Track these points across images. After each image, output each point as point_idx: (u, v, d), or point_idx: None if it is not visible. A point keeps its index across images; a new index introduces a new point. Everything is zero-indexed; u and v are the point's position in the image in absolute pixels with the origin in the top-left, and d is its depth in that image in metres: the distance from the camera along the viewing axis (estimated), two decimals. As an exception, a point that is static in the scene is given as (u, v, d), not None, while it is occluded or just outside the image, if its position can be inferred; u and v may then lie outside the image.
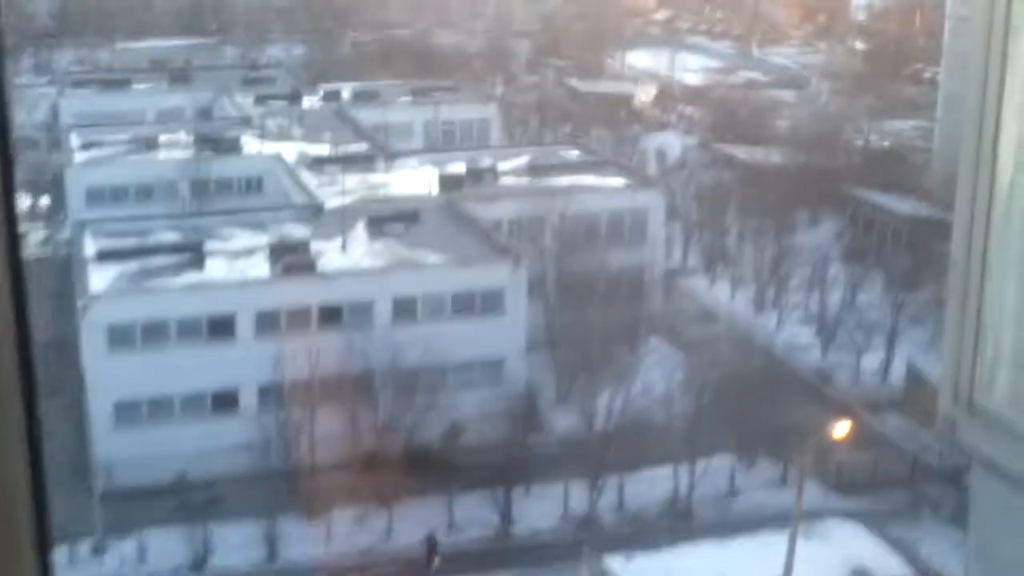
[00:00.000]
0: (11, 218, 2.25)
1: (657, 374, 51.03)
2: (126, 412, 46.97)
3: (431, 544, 41.11)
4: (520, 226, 59.26)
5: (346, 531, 43.13)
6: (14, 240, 2.20)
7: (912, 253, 62.33)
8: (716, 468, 46.21)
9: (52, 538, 2.25)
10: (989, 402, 6.96)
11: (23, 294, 2.21)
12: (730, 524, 43.86)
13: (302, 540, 42.54)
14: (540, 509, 44.79)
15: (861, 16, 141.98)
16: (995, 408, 6.91)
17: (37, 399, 2.23)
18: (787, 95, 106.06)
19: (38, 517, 2.21)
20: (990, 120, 6.41)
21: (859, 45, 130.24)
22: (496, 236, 55.90)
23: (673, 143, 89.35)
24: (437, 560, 39.64)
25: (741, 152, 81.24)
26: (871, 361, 56.04)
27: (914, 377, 52.20)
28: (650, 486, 46.12)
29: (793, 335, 59.21)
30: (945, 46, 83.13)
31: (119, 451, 45.48)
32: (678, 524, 44.24)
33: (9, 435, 2.12)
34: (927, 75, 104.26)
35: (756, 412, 47.24)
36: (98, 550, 42.05)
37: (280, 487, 43.65)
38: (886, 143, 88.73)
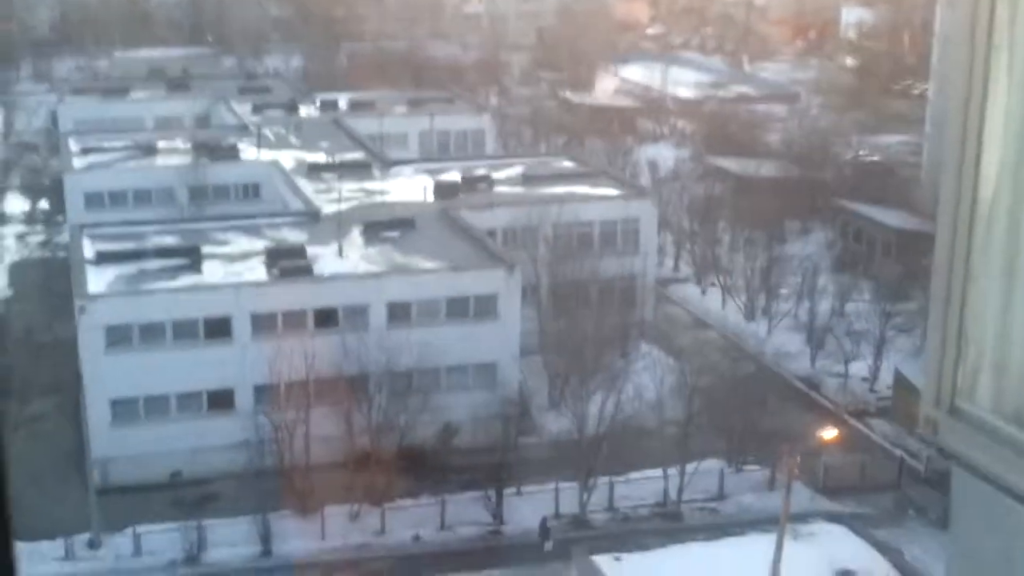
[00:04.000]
0: None
1: (648, 379, 51.62)
2: (123, 410, 47.45)
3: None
4: (514, 234, 59.88)
5: (340, 528, 43.65)
6: None
7: (900, 264, 63.13)
8: (705, 471, 46.76)
9: (14, 534, 2.24)
10: (971, 406, 7.08)
11: None
12: (718, 526, 44.52)
13: (296, 536, 43.05)
14: (531, 509, 45.28)
15: (851, 34, 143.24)
16: (976, 412, 7.04)
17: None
18: (778, 109, 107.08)
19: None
20: (973, 131, 6.62)
21: (849, 61, 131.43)
22: (490, 243, 56.50)
23: (666, 155, 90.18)
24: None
25: (732, 164, 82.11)
26: (859, 368, 56.75)
27: (901, 384, 52.88)
28: (640, 488, 46.69)
29: (783, 342, 59.90)
30: (933, 63, 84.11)
31: (115, 448, 46.04)
32: (667, 525, 44.77)
33: None
34: (916, 91, 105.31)
35: (745, 417, 47.86)
36: (94, 544, 42.48)
37: (274, 485, 44.19)
38: (876, 157, 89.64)
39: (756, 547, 38.41)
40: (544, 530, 42.93)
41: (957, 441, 7.17)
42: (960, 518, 7.95)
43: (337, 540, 43.18)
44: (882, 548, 39.57)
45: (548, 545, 40.43)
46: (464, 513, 44.80)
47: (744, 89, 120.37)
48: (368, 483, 44.64)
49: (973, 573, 7.63)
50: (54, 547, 41.12)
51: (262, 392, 47.54)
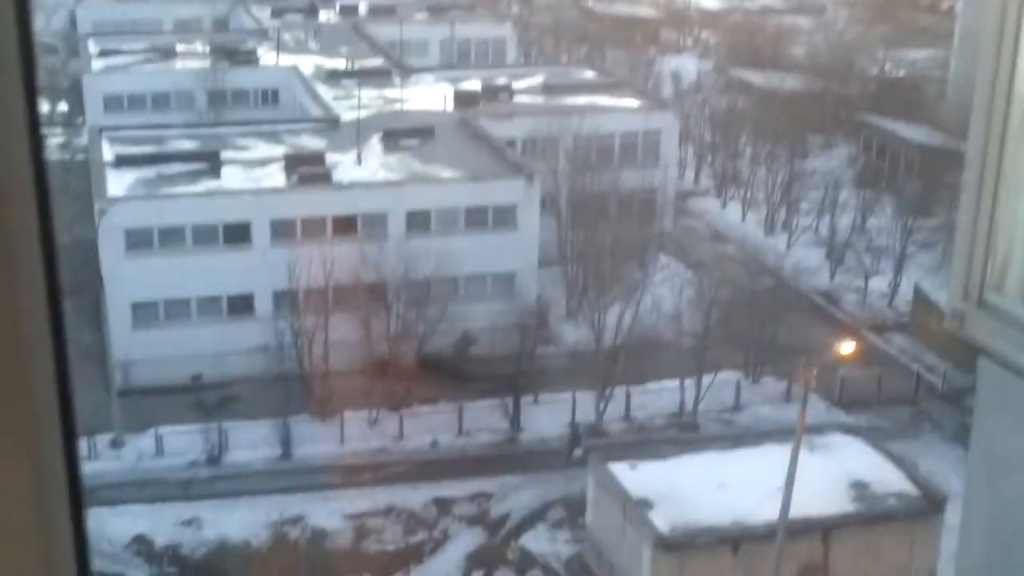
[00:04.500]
0: (37, 141, 2.24)
1: (666, 291, 51.64)
2: (143, 313, 47.76)
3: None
4: (534, 144, 59.59)
5: (358, 432, 44.09)
6: (38, 144, 2.23)
7: (923, 180, 62.61)
8: (722, 383, 46.95)
9: (77, 429, 2.31)
10: (998, 298, 7.07)
11: (47, 191, 2.24)
12: (734, 437, 44.69)
13: (315, 440, 43.53)
14: (548, 417, 45.61)
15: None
16: (1004, 304, 7.03)
17: (60, 292, 2.27)
18: (803, 22, 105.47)
19: (63, 409, 2.28)
20: (1011, 29, 6.53)
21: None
22: (510, 153, 56.21)
23: (688, 66, 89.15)
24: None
25: (756, 77, 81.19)
26: (879, 284, 56.60)
27: (921, 300, 52.76)
28: (656, 398, 46.92)
29: (802, 257, 59.66)
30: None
31: (137, 351, 46.41)
32: (683, 435, 45.02)
33: (35, 328, 2.21)
34: (945, 5, 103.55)
35: (763, 330, 47.87)
36: (116, 444, 43.07)
37: (294, 389, 44.63)
38: (901, 72, 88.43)
39: (771, 457, 38.47)
40: (575, 436, 43.19)
41: (984, 333, 7.20)
42: (985, 408, 7.98)
43: (356, 444, 43.64)
44: (897, 460, 39.59)
45: (578, 451, 40.61)
46: (481, 420, 45.18)
47: (769, 1, 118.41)
48: (386, 389, 44.98)
49: (997, 462, 7.69)
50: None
51: (281, 298, 47.76)
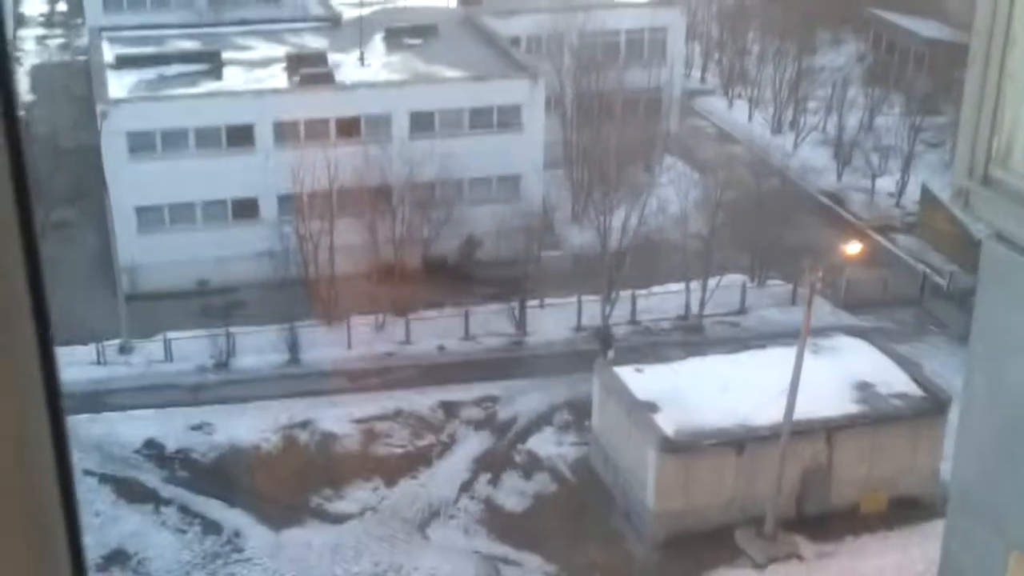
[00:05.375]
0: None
1: (672, 193, 51.33)
2: (148, 217, 47.62)
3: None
4: (538, 42, 58.82)
5: (365, 337, 44.27)
6: (5, 58, 2.16)
7: (932, 77, 61.85)
8: (728, 285, 46.96)
9: (54, 334, 2.28)
10: (1004, 174, 7.06)
11: (13, 101, 2.17)
12: (739, 339, 44.87)
13: (322, 345, 43.70)
14: (553, 321, 45.74)
15: None
16: (1010, 180, 7.03)
17: (31, 203, 2.20)
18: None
19: (38, 316, 2.24)
20: None
21: None
22: (514, 52, 55.47)
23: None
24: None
25: (764, -29, 79.64)
26: (886, 183, 56.28)
27: (928, 199, 52.50)
28: (662, 301, 46.98)
29: (809, 157, 59.24)
30: None
31: (142, 255, 46.41)
32: (688, 338, 45.21)
33: (6, 240, 2.15)
34: None
35: (769, 232, 47.73)
36: (125, 349, 43.27)
37: (300, 294, 44.71)
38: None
39: (776, 359, 38.65)
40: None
41: (989, 210, 7.17)
42: (988, 287, 7.93)
43: (363, 349, 43.84)
44: (901, 361, 39.78)
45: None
46: (487, 324, 45.31)
47: None
48: (392, 294, 45.04)
49: (999, 340, 7.67)
50: (87, 352, 41.87)
51: (286, 201, 47.56)
